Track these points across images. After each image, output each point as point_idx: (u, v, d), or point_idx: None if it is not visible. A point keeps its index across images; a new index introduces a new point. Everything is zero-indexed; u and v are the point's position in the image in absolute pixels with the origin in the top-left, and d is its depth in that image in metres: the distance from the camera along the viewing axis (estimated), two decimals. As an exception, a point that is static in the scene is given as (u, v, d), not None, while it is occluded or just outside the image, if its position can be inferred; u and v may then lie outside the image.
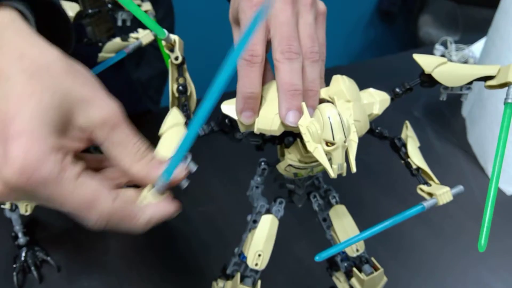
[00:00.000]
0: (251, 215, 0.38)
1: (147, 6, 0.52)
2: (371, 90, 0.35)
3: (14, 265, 0.50)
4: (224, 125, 0.33)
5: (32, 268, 0.51)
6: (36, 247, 0.52)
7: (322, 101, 0.32)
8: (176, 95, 0.33)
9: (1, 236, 0.54)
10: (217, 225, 0.57)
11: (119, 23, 0.50)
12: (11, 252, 0.52)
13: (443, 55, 0.94)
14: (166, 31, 0.31)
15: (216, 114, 0.34)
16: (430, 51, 0.97)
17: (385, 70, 0.90)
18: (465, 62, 0.91)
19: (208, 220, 0.58)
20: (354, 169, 0.28)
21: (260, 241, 0.36)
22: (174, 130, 0.31)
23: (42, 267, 0.52)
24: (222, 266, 0.41)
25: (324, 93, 0.33)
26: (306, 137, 0.29)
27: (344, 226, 0.39)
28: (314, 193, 0.40)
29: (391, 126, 0.38)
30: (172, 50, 0.33)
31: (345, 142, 0.28)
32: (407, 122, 0.37)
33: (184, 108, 0.34)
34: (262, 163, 0.39)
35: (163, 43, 0.33)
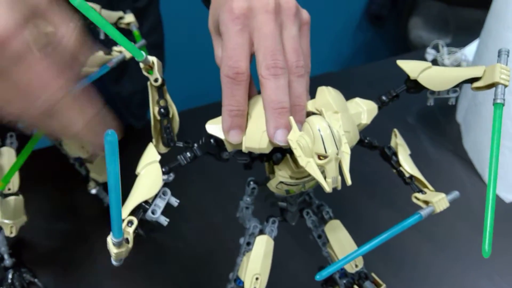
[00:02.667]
0: (244, 237, 0.37)
1: (130, 18, 0.50)
2: (357, 99, 0.34)
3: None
4: (209, 147, 0.32)
5: (19, 291, 0.49)
6: (23, 268, 0.51)
7: (309, 113, 0.31)
8: (158, 118, 0.32)
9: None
10: (208, 241, 0.56)
11: (102, 36, 0.49)
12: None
13: (435, 59, 0.93)
14: (143, 53, 0.29)
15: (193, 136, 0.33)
16: (421, 55, 0.96)
17: (376, 75, 0.89)
18: (458, 65, 0.91)
19: (199, 236, 0.57)
20: (349, 181, 0.27)
21: (257, 263, 0.35)
22: (149, 168, 0.30)
23: (28, 290, 0.50)
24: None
25: (310, 105, 0.32)
26: (297, 152, 0.28)
27: (341, 242, 0.38)
28: (307, 209, 0.39)
29: (384, 134, 0.38)
30: (150, 72, 0.32)
31: (337, 154, 0.27)
32: (396, 130, 0.37)
33: (167, 131, 0.32)
34: (251, 183, 0.38)
35: (141, 65, 0.31)
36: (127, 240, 0.27)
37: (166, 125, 0.33)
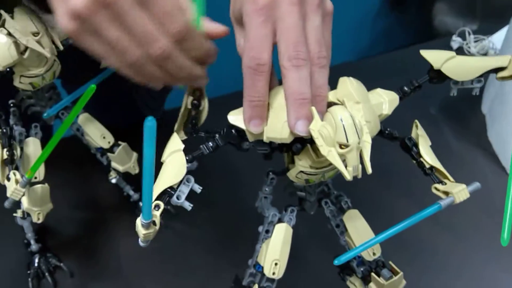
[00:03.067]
0: (263, 225, 0.38)
1: None
2: (379, 90, 0.34)
3: (28, 271, 0.51)
4: (230, 137, 0.33)
5: (46, 274, 0.51)
6: (48, 253, 0.53)
7: (330, 104, 0.32)
8: (189, 107, 0.33)
9: (14, 243, 0.54)
10: (225, 230, 0.57)
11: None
12: (24, 258, 0.52)
13: (460, 47, 0.91)
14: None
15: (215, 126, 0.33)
16: (446, 43, 0.93)
17: (397, 65, 0.87)
18: (485, 54, 0.88)
19: (217, 224, 0.58)
20: (369, 170, 0.28)
21: (276, 249, 0.36)
22: (173, 157, 0.31)
23: (55, 273, 0.52)
24: (234, 276, 0.40)
25: (332, 96, 0.32)
26: (319, 141, 0.29)
27: (359, 230, 0.38)
28: (325, 199, 0.39)
29: (406, 126, 0.37)
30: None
31: (358, 143, 0.28)
32: (417, 121, 0.36)
33: (193, 122, 0.33)
34: (270, 173, 0.38)
35: None
36: (154, 223, 0.28)
37: (194, 115, 0.33)
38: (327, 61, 0.32)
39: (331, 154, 0.28)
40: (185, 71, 0.32)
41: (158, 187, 0.30)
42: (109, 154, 0.50)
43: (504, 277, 0.52)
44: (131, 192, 0.57)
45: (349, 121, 0.28)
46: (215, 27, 0.32)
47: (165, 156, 0.32)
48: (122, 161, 0.50)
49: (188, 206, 0.31)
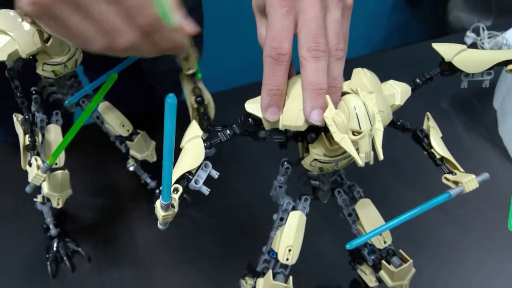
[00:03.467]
0: (277, 213, 0.39)
1: None
2: (391, 81, 0.35)
3: (47, 255, 0.53)
4: (247, 125, 0.34)
5: (65, 258, 0.53)
6: (67, 238, 0.54)
7: (344, 94, 0.32)
8: (195, 106, 0.34)
9: (33, 228, 0.56)
10: (240, 218, 0.58)
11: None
12: (43, 243, 0.54)
13: (474, 43, 0.91)
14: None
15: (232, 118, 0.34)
16: (460, 38, 0.93)
17: (410, 59, 0.87)
18: (499, 50, 0.88)
19: (232, 213, 0.59)
20: (381, 156, 0.29)
21: (290, 236, 0.37)
22: (192, 143, 0.32)
23: (73, 258, 0.54)
24: (247, 263, 0.41)
25: (346, 86, 0.33)
26: (332, 128, 0.29)
27: (370, 219, 0.39)
28: (338, 189, 0.40)
29: (417, 119, 0.38)
30: (187, 60, 0.33)
31: (371, 130, 0.29)
32: (428, 114, 0.37)
33: (205, 117, 0.34)
34: (285, 163, 0.39)
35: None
36: (173, 206, 0.29)
37: (203, 112, 0.34)
38: (344, 54, 0.33)
39: (344, 140, 0.29)
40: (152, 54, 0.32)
41: (177, 172, 0.31)
42: (127, 142, 0.51)
43: (509, 268, 0.53)
44: (148, 180, 0.58)
45: (362, 109, 0.28)
46: (185, 24, 0.31)
47: (184, 142, 0.33)
48: (140, 149, 0.52)
49: (205, 190, 0.32)
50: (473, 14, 1.54)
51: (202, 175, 0.32)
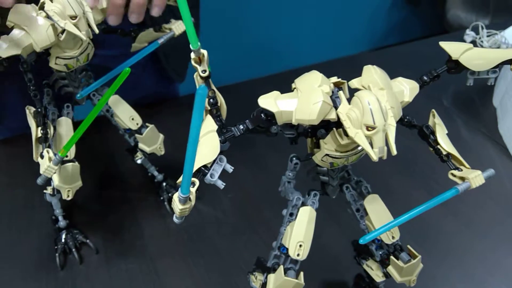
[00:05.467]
0: (287, 209, 0.39)
1: None
2: (400, 78, 0.36)
3: (56, 247, 0.53)
4: (260, 120, 0.34)
5: (73, 249, 0.53)
6: (75, 230, 0.55)
7: (355, 90, 0.33)
8: (209, 108, 0.34)
9: (41, 219, 0.56)
10: (245, 211, 0.59)
11: (152, 13, 0.51)
12: (51, 234, 0.55)
13: (473, 41, 0.92)
14: (199, 43, 0.31)
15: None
16: (460, 36, 0.94)
17: (411, 56, 0.89)
18: (498, 48, 0.89)
19: (238, 206, 0.59)
20: (394, 151, 0.30)
21: (301, 231, 0.37)
22: (208, 136, 0.32)
23: (81, 249, 0.54)
24: (256, 258, 0.41)
25: (357, 83, 0.34)
26: (347, 124, 0.30)
27: (379, 214, 0.40)
28: (346, 184, 0.41)
29: (420, 116, 0.39)
30: (199, 63, 0.33)
31: (384, 126, 0.29)
32: (434, 111, 0.38)
33: (219, 119, 0.34)
34: (294, 158, 0.40)
35: (192, 55, 0.33)
36: (190, 199, 0.29)
37: (216, 113, 0.35)
38: None
39: (358, 135, 0.30)
40: None
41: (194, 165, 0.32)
42: (136, 135, 0.52)
43: (509, 263, 0.53)
44: (156, 173, 0.59)
45: (375, 105, 0.29)
46: None
47: (199, 137, 0.33)
48: (149, 142, 0.52)
49: (220, 184, 0.32)
50: (471, 12, 1.56)
51: (217, 169, 0.32)
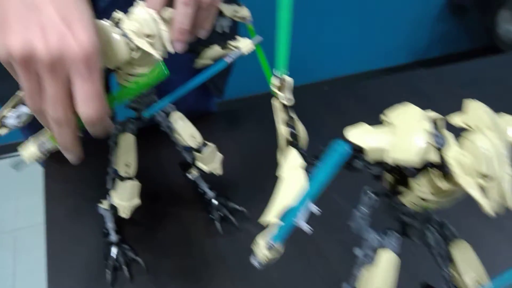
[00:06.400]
0: (362, 249, 0.37)
1: (245, 11, 0.50)
2: (505, 115, 0.32)
3: (106, 262, 0.52)
4: None
5: (124, 266, 0.52)
6: (125, 245, 0.53)
7: (461, 129, 0.30)
8: (290, 139, 0.32)
9: (90, 231, 0.56)
10: (296, 236, 0.56)
11: (218, 29, 0.49)
12: (101, 247, 0.53)
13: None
14: (278, 72, 0.29)
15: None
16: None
17: (468, 77, 0.84)
18: None
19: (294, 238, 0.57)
20: (510, 203, 0.26)
21: (382, 281, 0.34)
22: (294, 174, 0.30)
23: (131, 266, 0.53)
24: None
25: (459, 119, 0.30)
26: (457, 170, 0.27)
27: (470, 265, 0.36)
28: (429, 225, 0.38)
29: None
30: (281, 89, 0.31)
31: (501, 175, 0.26)
32: None
33: (300, 151, 0.32)
34: (370, 193, 0.36)
35: (273, 80, 0.31)
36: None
37: (296, 144, 0.32)
38: None
39: (471, 185, 0.26)
40: None
41: (277, 205, 0.29)
42: (195, 152, 0.50)
43: (506, 247, 0.52)
44: (207, 190, 0.57)
45: (491, 151, 0.26)
46: None
47: (284, 170, 0.31)
48: (207, 161, 0.50)
49: (306, 228, 0.29)
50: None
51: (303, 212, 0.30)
